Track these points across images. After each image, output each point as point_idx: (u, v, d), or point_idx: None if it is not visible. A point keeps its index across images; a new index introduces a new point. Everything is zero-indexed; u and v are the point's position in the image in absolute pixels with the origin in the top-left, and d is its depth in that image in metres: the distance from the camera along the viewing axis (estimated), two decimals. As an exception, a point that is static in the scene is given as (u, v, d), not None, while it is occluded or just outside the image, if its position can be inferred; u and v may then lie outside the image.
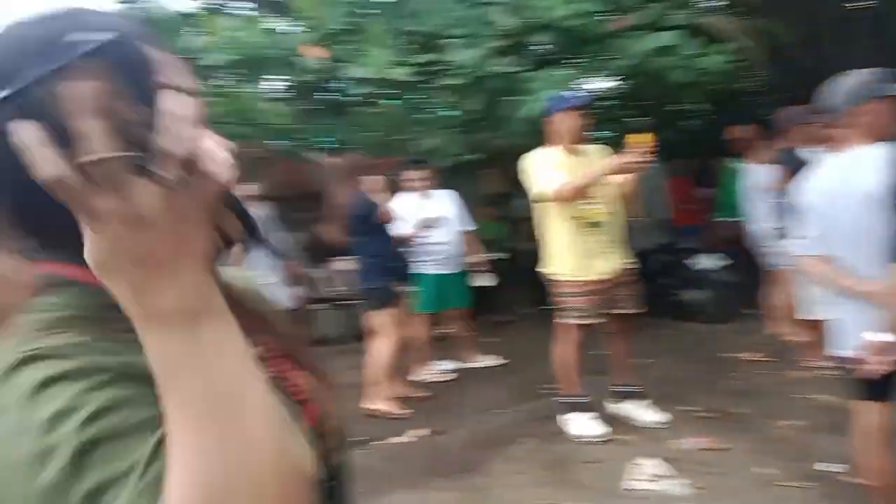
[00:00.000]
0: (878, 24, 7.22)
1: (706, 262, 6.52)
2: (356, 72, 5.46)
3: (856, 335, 2.42)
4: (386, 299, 4.68)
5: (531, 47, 5.89)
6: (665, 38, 5.40)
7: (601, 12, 5.58)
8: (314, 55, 5.68)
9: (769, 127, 5.12)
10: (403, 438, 4.28)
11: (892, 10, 7.07)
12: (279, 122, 6.46)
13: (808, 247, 2.61)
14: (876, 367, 2.34)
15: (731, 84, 6.26)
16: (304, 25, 5.99)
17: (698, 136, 7.65)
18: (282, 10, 6.48)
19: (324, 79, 6.15)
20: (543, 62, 5.80)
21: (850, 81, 2.52)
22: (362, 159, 6.11)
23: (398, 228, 4.89)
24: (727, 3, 8.11)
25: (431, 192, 5.40)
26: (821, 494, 3.17)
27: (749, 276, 5.79)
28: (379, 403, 4.68)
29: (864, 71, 2.55)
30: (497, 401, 4.79)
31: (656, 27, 5.59)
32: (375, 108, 6.18)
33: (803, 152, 4.18)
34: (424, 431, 4.35)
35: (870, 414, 2.49)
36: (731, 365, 5.07)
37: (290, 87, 6.68)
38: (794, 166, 3.89)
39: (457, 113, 6.15)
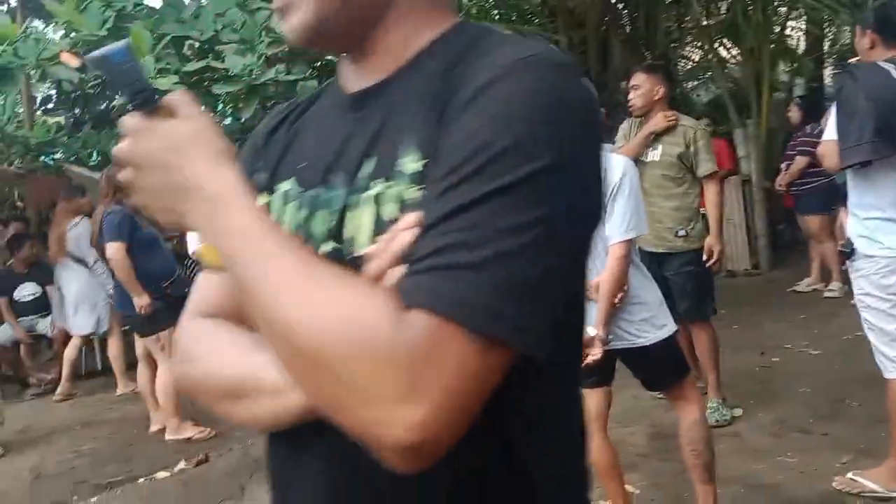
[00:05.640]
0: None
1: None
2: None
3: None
4: (163, 321, 4.13)
5: (309, 55, 5.81)
6: None
7: None
8: (72, 63, 5.25)
9: None
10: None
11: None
12: (39, 136, 5.91)
13: None
14: (586, 358, 2.48)
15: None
16: (63, 31, 5.54)
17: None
18: (42, 15, 5.95)
19: (87, 89, 5.72)
20: (325, 70, 5.78)
21: None
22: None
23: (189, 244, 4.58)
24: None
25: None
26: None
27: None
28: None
29: None
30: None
31: None
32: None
33: None
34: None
35: (588, 399, 2.67)
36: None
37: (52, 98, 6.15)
38: None
39: (232, 122, 5.95)
